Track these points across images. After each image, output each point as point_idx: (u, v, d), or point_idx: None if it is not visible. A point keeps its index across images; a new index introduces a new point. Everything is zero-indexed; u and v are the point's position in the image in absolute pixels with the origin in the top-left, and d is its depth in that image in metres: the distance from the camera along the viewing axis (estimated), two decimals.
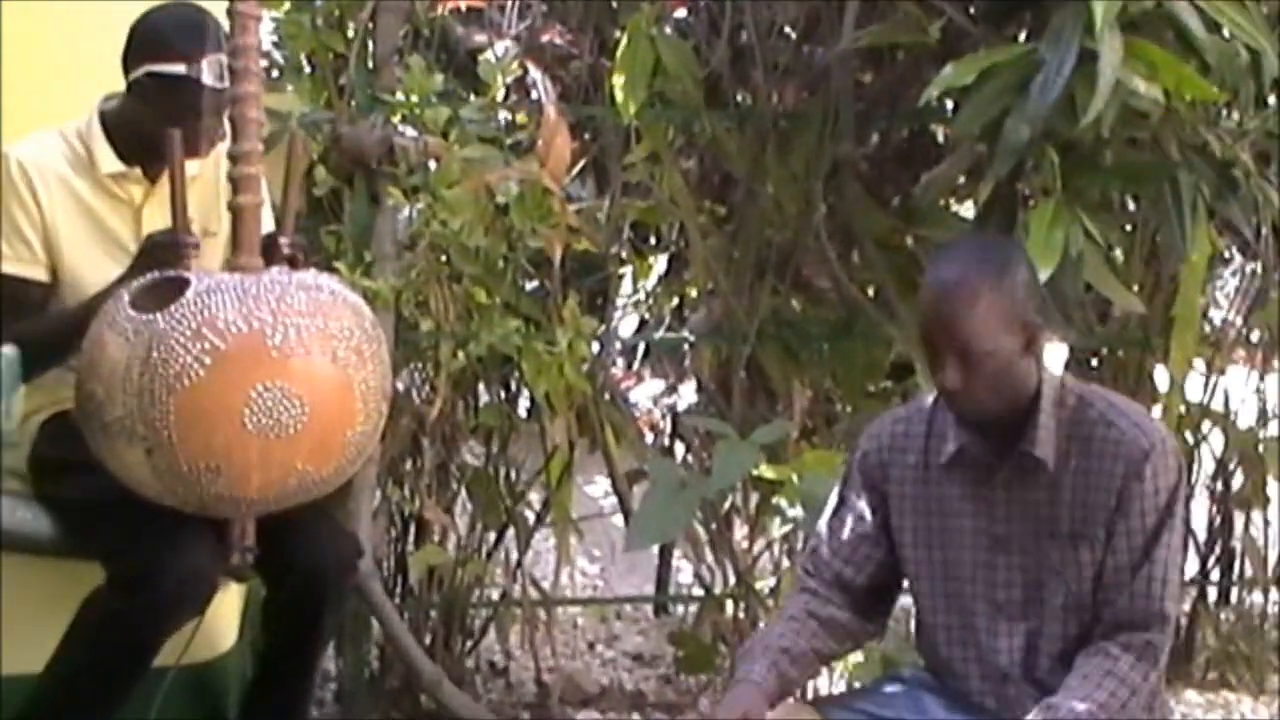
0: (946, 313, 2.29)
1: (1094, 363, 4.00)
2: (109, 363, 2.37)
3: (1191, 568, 4.04)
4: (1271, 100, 3.33)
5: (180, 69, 2.61)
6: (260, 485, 2.43)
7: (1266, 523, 4.20)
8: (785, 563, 3.82)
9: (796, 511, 3.36)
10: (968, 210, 3.84)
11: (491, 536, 3.79)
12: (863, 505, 2.54)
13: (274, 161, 2.80)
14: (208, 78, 2.60)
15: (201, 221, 2.71)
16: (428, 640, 3.63)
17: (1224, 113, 3.28)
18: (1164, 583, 2.34)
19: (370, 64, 3.56)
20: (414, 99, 3.43)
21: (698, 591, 4.06)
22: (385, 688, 3.61)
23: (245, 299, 2.38)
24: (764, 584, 3.78)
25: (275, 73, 3.85)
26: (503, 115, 3.60)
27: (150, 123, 2.63)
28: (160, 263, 2.52)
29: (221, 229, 2.72)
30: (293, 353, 2.38)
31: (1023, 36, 3.24)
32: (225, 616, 2.97)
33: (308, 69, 3.72)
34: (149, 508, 2.48)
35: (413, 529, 3.74)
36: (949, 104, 3.70)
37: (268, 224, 2.69)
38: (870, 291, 3.82)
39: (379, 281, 3.35)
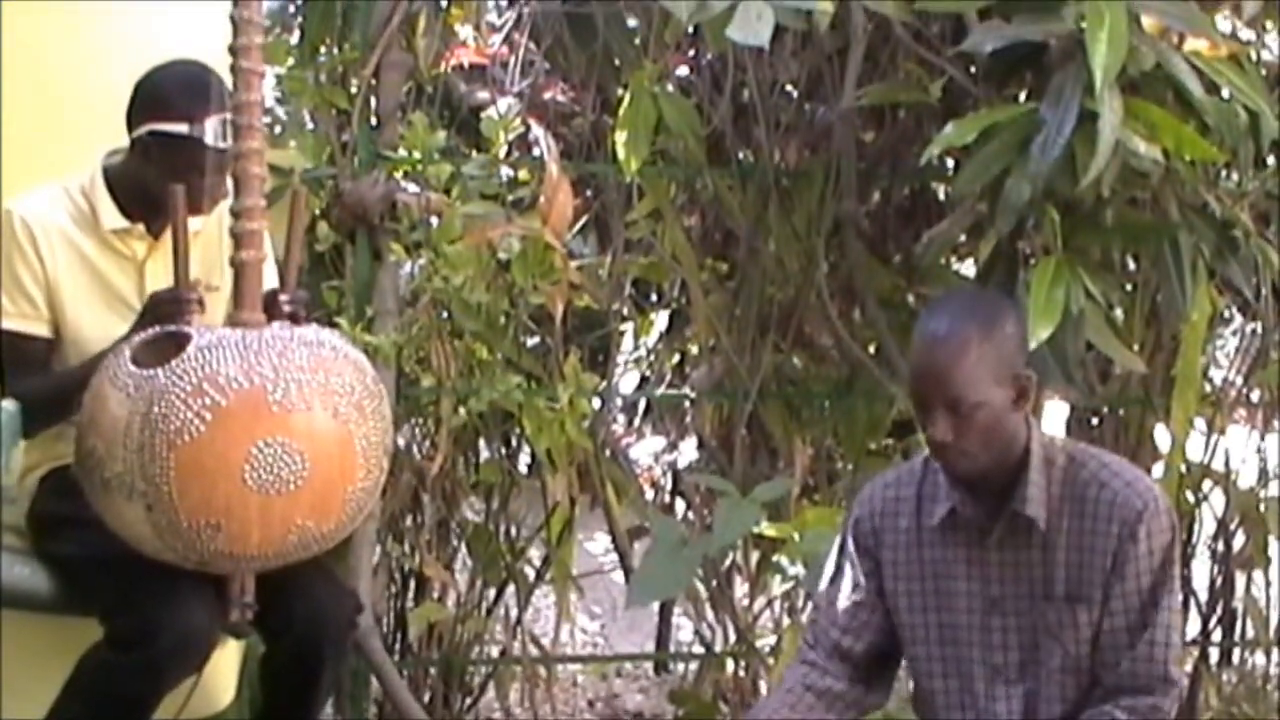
0: (935, 364, 2.29)
1: (1095, 422, 3.99)
2: (109, 418, 2.37)
3: (1193, 628, 4.03)
4: (1270, 161, 3.35)
5: (183, 129, 2.62)
6: (260, 541, 2.42)
7: (1268, 583, 4.17)
8: (786, 620, 3.79)
9: (797, 569, 3.34)
10: (969, 268, 3.85)
11: (491, 593, 3.78)
12: (858, 571, 2.53)
13: (276, 217, 2.81)
14: (210, 137, 2.61)
15: (204, 277, 2.72)
16: (427, 698, 3.62)
17: (1223, 173, 3.30)
18: (1166, 646, 2.33)
19: (373, 120, 3.58)
20: (416, 155, 3.45)
21: (698, 649, 4.04)
22: None
23: (247, 354, 2.38)
24: (765, 642, 3.77)
25: (278, 128, 3.87)
26: (505, 171, 3.62)
27: (153, 181, 2.64)
28: (163, 319, 2.53)
29: (224, 284, 2.72)
30: (294, 408, 2.38)
31: (1023, 96, 3.25)
32: (223, 673, 2.95)
33: (310, 125, 3.74)
34: (148, 564, 2.47)
35: (413, 585, 3.74)
36: (950, 162, 3.72)
37: (270, 279, 2.69)
38: (872, 349, 3.82)
39: (380, 337, 3.36)
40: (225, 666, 2.95)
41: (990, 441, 2.31)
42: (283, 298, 2.62)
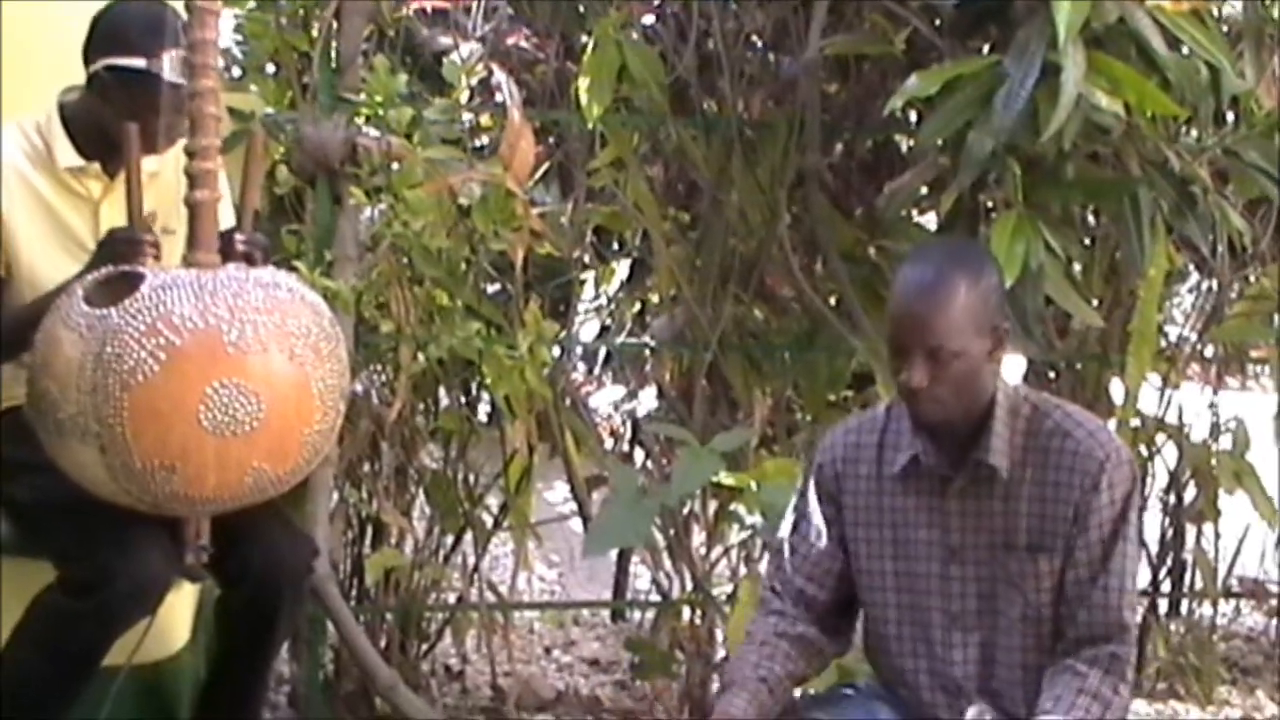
0: (920, 310, 2.29)
1: (1052, 376, 4.01)
2: (62, 359, 2.35)
3: (1143, 579, 4.07)
4: (1230, 118, 3.36)
5: (140, 63, 2.59)
6: (216, 484, 2.41)
7: (1217, 535, 4.23)
8: (743, 570, 3.82)
9: (755, 519, 3.36)
10: (931, 222, 3.86)
11: (449, 540, 3.78)
12: (820, 520, 2.54)
13: (236, 161, 2.78)
14: (167, 73, 2.58)
15: (161, 220, 2.69)
16: (383, 644, 3.62)
17: (1184, 129, 3.31)
18: (1121, 592, 2.35)
19: (334, 64, 3.54)
20: (378, 100, 3.42)
21: (655, 598, 4.05)
22: (340, 691, 3.59)
23: (201, 295, 2.36)
24: (721, 591, 3.78)
25: (238, 72, 3.83)
26: (467, 118, 3.59)
27: (109, 118, 2.61)
28: (118, 259, 2.50)
29: (181, 228, 2.69)
30: (249, 350, 2.37)
31: (987, 49, 3.25)
32: (178, 617, 2.95)
33: (271, 69, 3.70)
34: (102, 507, 2.45)
35: (370, 532, 3.73)
36: (914, 116, 3.72)
37: (227, 221, 2.67)
38: (833, 302, 3.82)
39: (339, 282, 3.34)
40: (179, 611, 2.94)
41: (963, 391, 2.32)
42: (238, 239, 2.59)
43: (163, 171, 2.75)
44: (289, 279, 2.55)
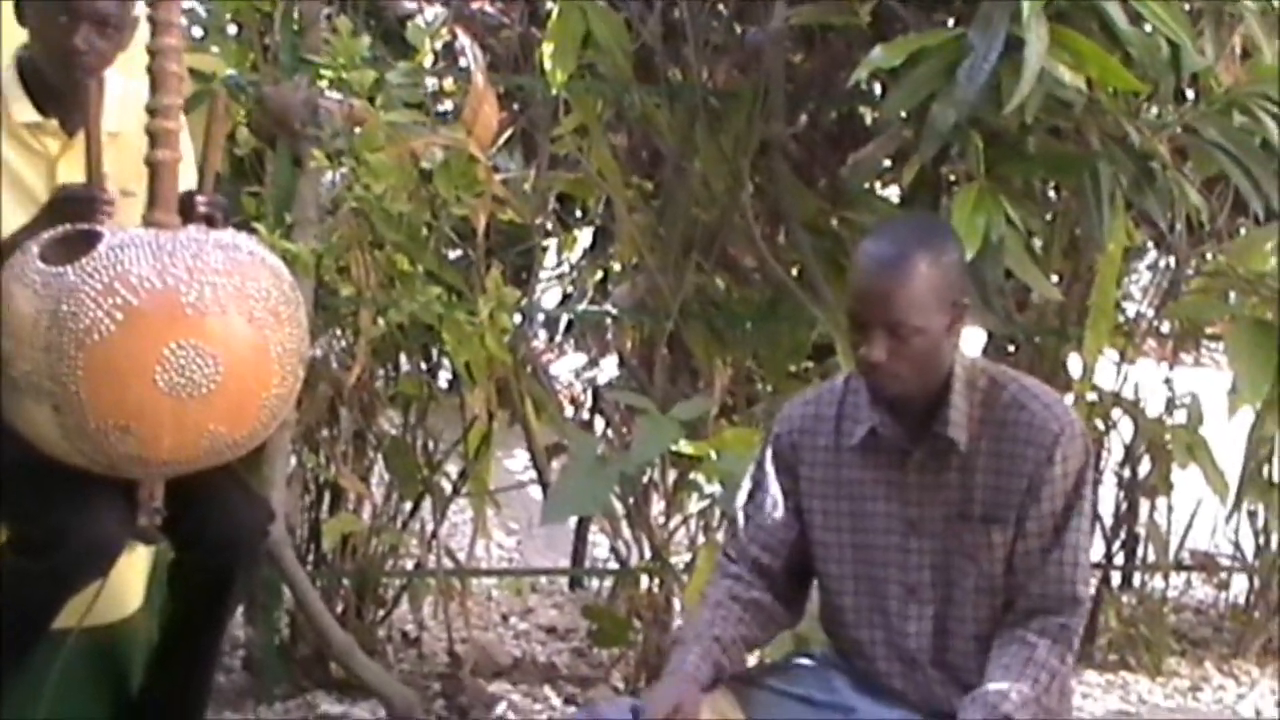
0: (882, 285, 2.29)
1: (1011, 349, 4.03)
2: (16, 316, 2.33)
3: (1097, 552, 4.11)
4: (1190, 95, 3.38)
5: None
6: (171, 446, 2.40)
7: (1170, 509, 4.27)
8: (701, 539, 3.83)
9: (714, 488, 3.37)
10: (894, 194, 3.87)
11: (407, 506, 3.77)
12: (776, 489, 2.55)
13: (197, 123, 2.76)
14: None
15: (120, 181, 2.66)
16: (340, 609, 3.61)
17: (1144, 106, 3.32)
18: (1075, 566, 2.36)
19: (296, 26, 3.51)
20: (340, 62, 3.39)
21: (613, 566, 4.06)
22: (296, 656, 3.59)
23: (160, 255, 2.34)
24: (679, 559, 3.80)
25: (200, 32, 3.79)
26: (430, 82, 3.57)
27: (39, 45, 2.56)
28: (73, 217, 2.48)
29: (141, 191, 2.67)
30: (208, 311, 2.35)
31: (952, 22, 3.26)
32: (131, 579, 2.93)
33: (233, 30, 3.67)
34: (56, 467, 2.44)
35: (327, 497, 3.72)
36: (879, 87, 3.72)
37: (188, 183, 2.65)
38: (795, 272, 3.83)
39: (299, 245, 3.31)
40: (133, 573, 2.92)
41: (922, 366, 2.32)
42: (199, 200, 2.57)
43: (124, 133, 2.71)
44: (249, 241, 2.54)
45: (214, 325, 2.36)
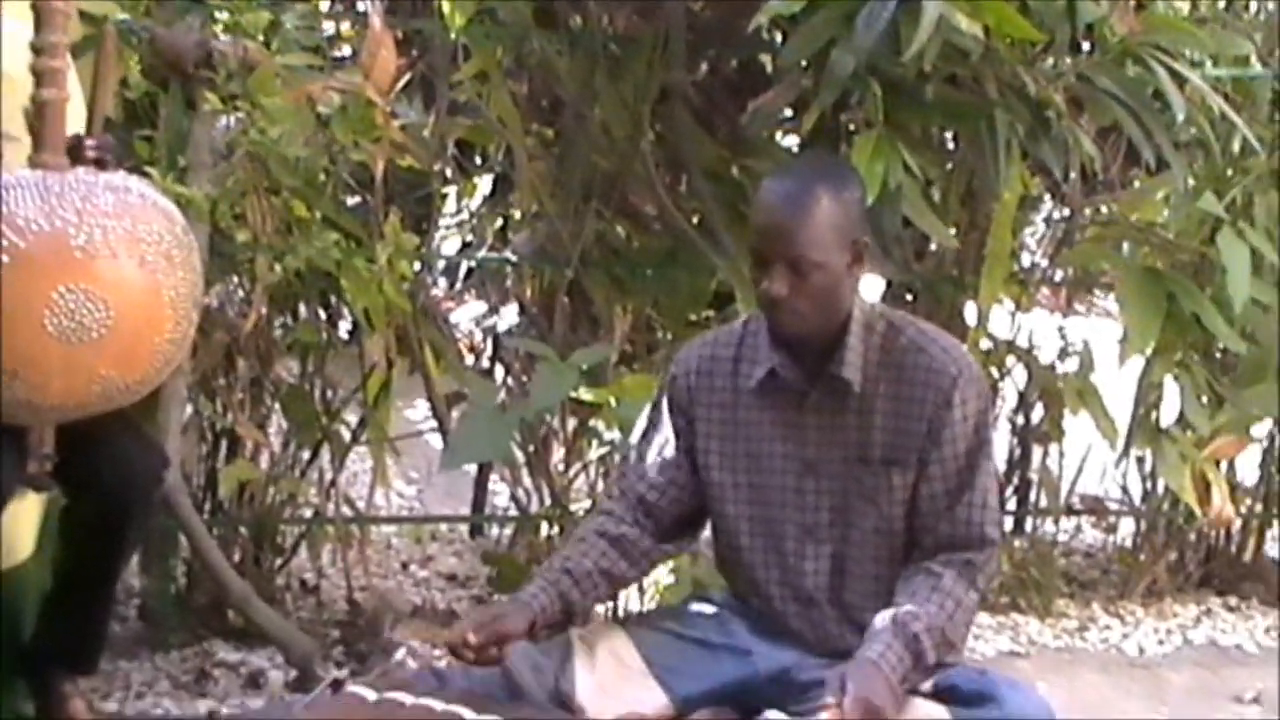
0: (783, 220, 2.31)
1: (910, 298, 4.08)
2: None
3: None
4: (1085, 45, 3.42)
5: None
6: (61, 391, 2.36)
7: (1062, 455, 4.35)
8: (601, 485, 3.84)
9: (614, 435, 3.38)
10: (794, 144, 3.88)
11: (305, 454, 3.74)
12: (669, 430, 2.56)
13: (87, 68, 2.69)
14: None
15: (4, 124, 2.60)
16: (237, 557, 3.58)
17: (1040, 55, 3.36)
18: (983, 508, 2.40)
19: None
20: (234, 3, 3.33)
21: (514, 513, 4.07)
22: (192, 604, 3.56)
23: (48, 197, 2.30)
24: (579, 506, 3.81)
25: None
26: (327, 25, 3.52)
27: None
28: None
29: (24, 136, 2.61)
30: (98, 254, 2.31)
31: None
32: (21, 526, 2.88)
33: None
34: None
35: (224, 445, 3.68)
36: (779, 35, 3.72)
37: (77, 126, 2.58)
38: (696, 220, 3.83)
39: (193, 190, 3.26)
40: (23, 520, 2.87)
41: (822, 303, 2.35)
42: (88, 143, 2.51)
43: (8, 76, 2.64)
44: (140, 184, 2.49)
45: (104, 269, 2.32)
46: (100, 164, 2.50)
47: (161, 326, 2.42)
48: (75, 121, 2.56)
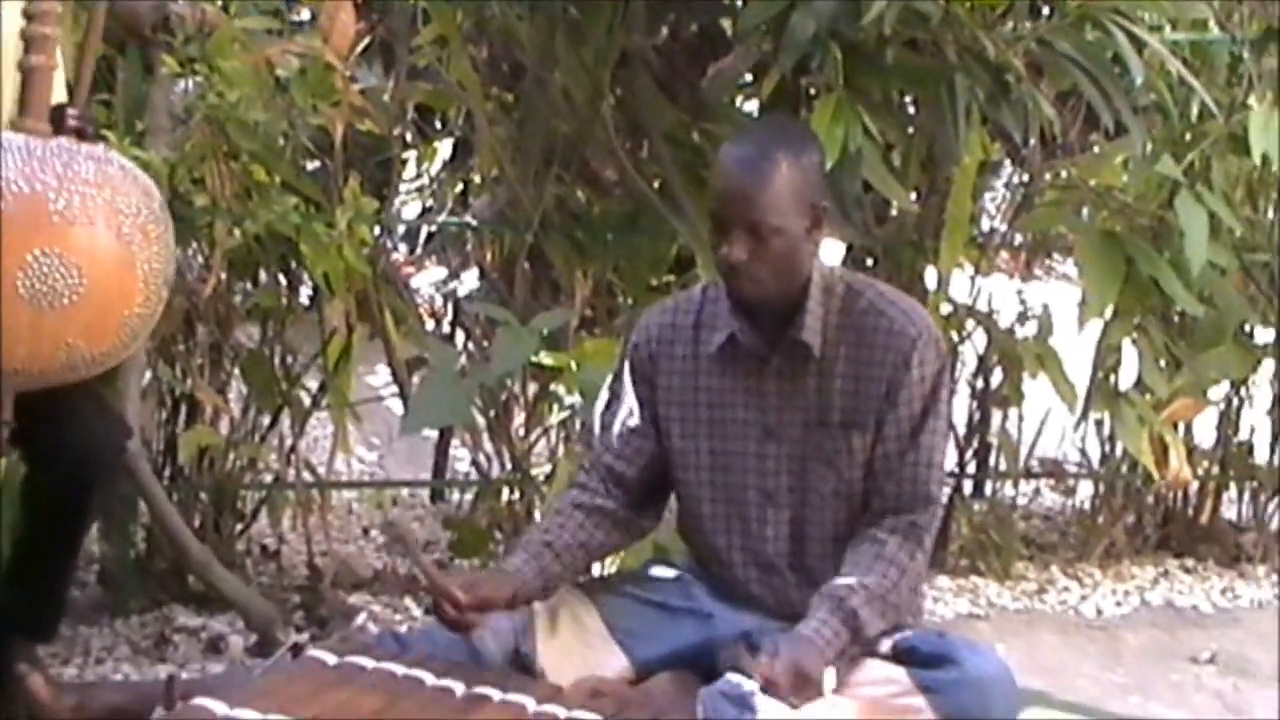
0: (742, 185, 2.31)
1: (870, 263, 4.09)
2: None
3: (950, 461, 4.20)
4: (1044, 9, 3.43)
5: None
6: (26, 356, 2.35)
7: (1021, 418, 4.38)
8: (561, 450, 3.84)
9: (574, 400, 3.38)
10: (754, 109, 3.87)
11: (266, 420, 3.73)
12: (633, 400, 2.56)
13: (67, 36, 2.67)
14: None
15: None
16: (197, 523, 3.57)
17: (1000, 19, 3.36)
18: (929, 467, 2.41)
19: None
20: None
21: (475, 479, 4.07)
22: (152, 570, 3.54)
23: (30, 160, 2.30)
24: (540, 471, 3.81)
25: None
26: None
27: None
28: None
29: (5, 103, 2.58)
30: (75, 220, 2.31)
31: None
32: None
33: None
34: None
35: (184, 410, 3.66)
36: (739, 0, 3.72)
37: (58, 96, 2.57)
38: (656, 185, 3.83)
39: (151, 154, 3.23)
40: None
41: (782, 268, 2.35)
42: (70, 113, 2.51)
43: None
44: (121, 158, 2.50)
45: (81, 235, 2.32)
46: (81, 135, 2.50)
47: (132, 299, 2.42)
48: (57, 91, 2.55)
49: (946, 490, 4.14)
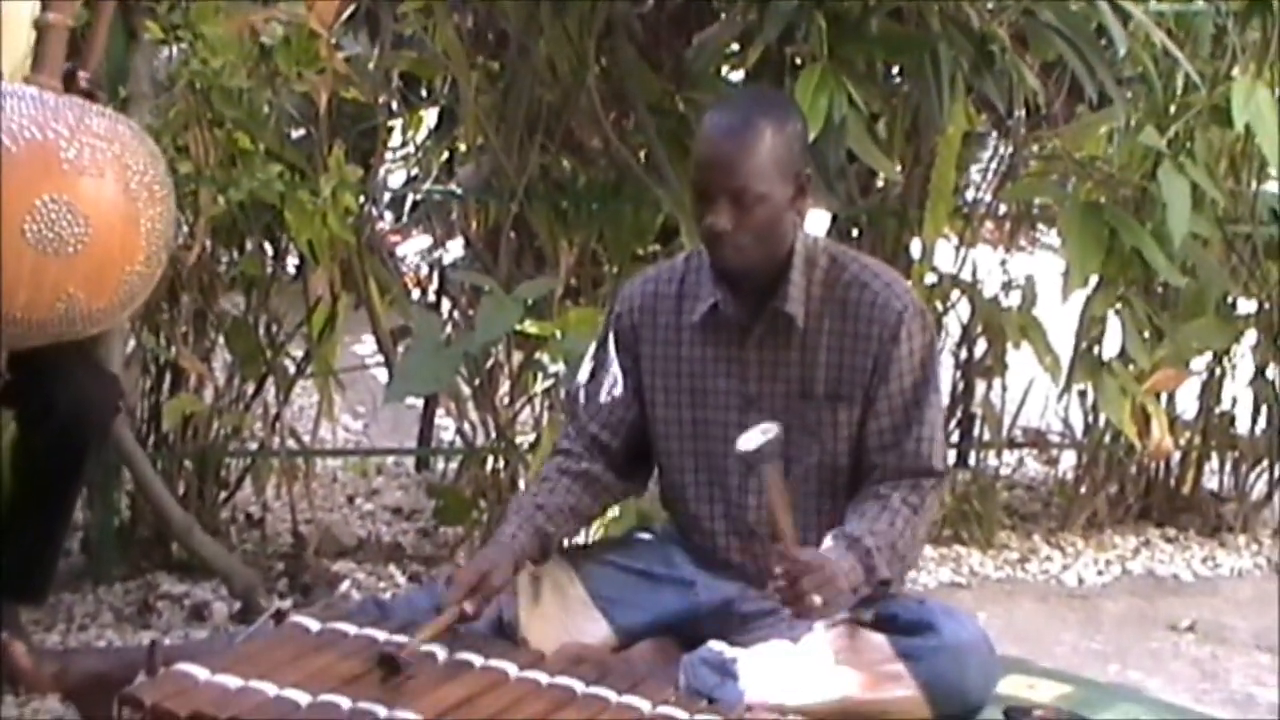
0: (726, 153, 2.32)
1: (855, 233, 4.09)
2: None
3: None
4: None
5: None
6: (26, 302, 2.35)
7: (1005, 389, 4.39)
8: (545, 419, 3.85)
9: (559, 368, 3.39)
10: (739, 78, 3.87)
11: (250, 388, 3.73)
12: (617, 369, 2.57)
13: None
14: None
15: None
16: (181, 490, 3.58)
17: None
18: (930, 441, 2.43)
19: None
20: None
21: (459, 447, 4.07)
22: (135, 537, 3.55)
23: (44, 109, 2.33)
24: (524, 439, 3.82)
25: None
26: None
27: None
28: None
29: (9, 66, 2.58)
30: (85, 170, 2.34)
31: None
32: None
33: None
34: None
35: (168, 378, 3.66)
36: None
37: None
38: (641, 154, 3.83)
39: (134, 120, 3.22)
40: None
41: (765, 236, 2.36)
42: (82, 75, 2.53)
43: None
44: (131, 122, 2.52)
45: (89, 185, 2.35)
46: (91, 96, 2.51)
47: (134, 256, 2.43)
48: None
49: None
